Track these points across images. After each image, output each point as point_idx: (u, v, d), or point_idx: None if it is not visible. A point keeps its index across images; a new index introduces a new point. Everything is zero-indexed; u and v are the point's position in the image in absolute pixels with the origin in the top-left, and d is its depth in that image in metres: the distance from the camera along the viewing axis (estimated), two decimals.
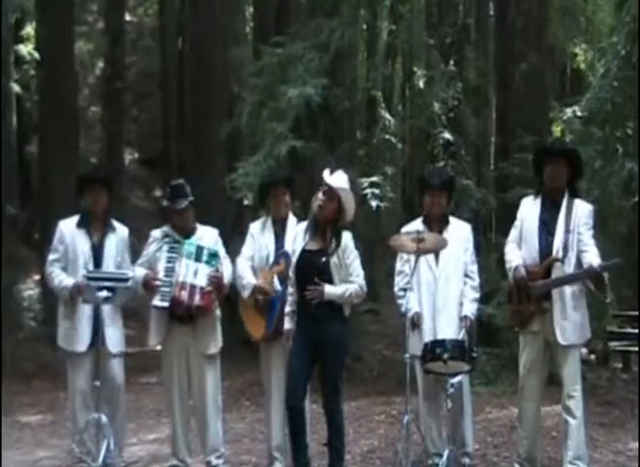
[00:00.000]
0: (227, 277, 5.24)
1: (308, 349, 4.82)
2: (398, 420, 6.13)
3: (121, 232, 5.47)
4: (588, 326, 5.01)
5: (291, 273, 4.99)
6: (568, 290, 4.91)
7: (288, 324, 4.96)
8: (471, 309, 5.16)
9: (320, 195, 4.87)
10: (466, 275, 5.23)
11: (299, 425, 4.80)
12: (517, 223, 5.18)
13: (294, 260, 4.93)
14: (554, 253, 4.92)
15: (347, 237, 4.94)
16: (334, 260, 4.86)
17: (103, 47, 19.18)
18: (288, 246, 5.27)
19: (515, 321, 5.13)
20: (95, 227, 5.39)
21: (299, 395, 4.80)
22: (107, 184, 5.46)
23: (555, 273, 4.91)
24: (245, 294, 5.30)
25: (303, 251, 4.90)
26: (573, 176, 5.06)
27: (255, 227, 5.51)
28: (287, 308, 5.00)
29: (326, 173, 4.93)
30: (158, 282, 5.10)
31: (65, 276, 5.26)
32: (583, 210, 4.99)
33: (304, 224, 5.03)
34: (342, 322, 4.92)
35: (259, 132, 8.88)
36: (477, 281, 5.26)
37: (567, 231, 4.92)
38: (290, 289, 5.01)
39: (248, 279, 5.30)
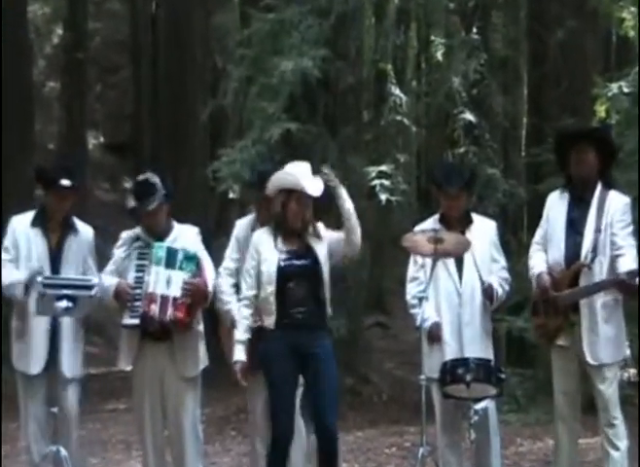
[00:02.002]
0: (210, 283, 5.22)
1: (294, 368, 4.81)
2: (412, 454, 6.11)
3: (84, 233, 5.46)
4: (625, 341, 5.02)
5: (246, 291, 4.94)
6: (599, 300, 4.91)
7: (240, 353, 4.86)
8: (497, 283, 5.16)
9: (294, 204, 4.84)
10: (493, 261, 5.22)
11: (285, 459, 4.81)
12: (543, 222, 5.20)
13: (272, 268, 4.85)
14: (583, 257, 4.93)
15: (322, 227, 4.97)
16: (322, 261, 4.84)
17: (62, 10, 19.18)
18: None
19: (540, 336, 5.16)
20: (53, 226, 5.37)
21: (291, 434, 4.81)
22: (74, 183, 5.40)
23: (584, 281, 4.92)
24: (227, 322, 5.25)
25: (284, 254, 4.88)
26: (604, 163, 5.05)
27: (241, 228, 5.46)
28: (241, 335, 4.89)
29: (295, 178, 4.84)
30: (130, 294, 5.09)
31: (16, 272, 5.23)
32: (617, 204, 4.96)
33: (262, 231, 4.99)
34: (330, 336, 4.96)
35: (247, 113, 8.88)
36: (508, 280, 5.26)
37: (598, 230, 4.91)
38: (245, 311, 4.93)
39: (231, 308, 5.22)
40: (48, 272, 5.23)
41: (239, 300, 5.05)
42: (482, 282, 5.13)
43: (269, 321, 4.86)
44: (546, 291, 4.96)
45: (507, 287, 5.26)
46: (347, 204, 4.88)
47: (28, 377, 5.23)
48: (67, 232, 5.39)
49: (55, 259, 5.32)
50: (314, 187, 4.85)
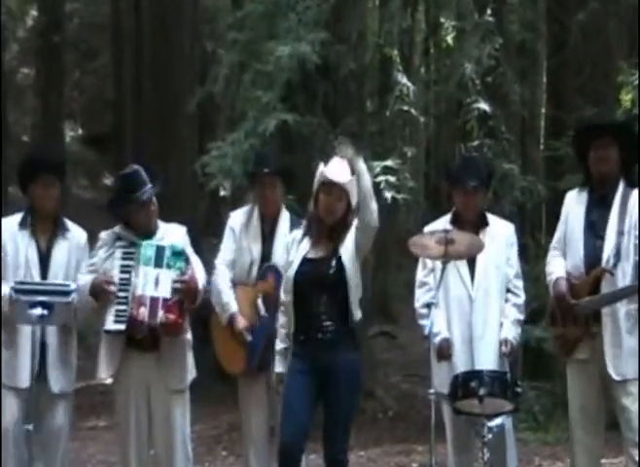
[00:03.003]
0: (200, 281, 5.23)
1: (311, 385, 4.82)
2: None
3: (76, 236, 5.46)
4: None
5: (283, 296, 4.99)
6: (622, 309, 4.91)
7: (280, 366, 4.97)
8: (512, 332, 5.19)
9: (323, 196, 4.85)
10: (508, 291, 5.25)
11: None
12: (561, 224, 5.21)
13: (290, 274, 4.90)
14: (604, 262, 4.93)
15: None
16: (348, 265, 4.84)
17: None
18: (278, 255, 5.29)
19: (558, 348, 5.17)
20: (43, 228, 5.37)
21: (299, 447, 4.79)
22: (60, 172, 5.43)
23: (605, 287, 4.92)
24: (224, 318, 5.34)
25: (305, 261, 4.89)
26: (627, 160, 5.06)
27: (237, 218, 5.53)
28: (278, 345, 5.00)
29: (323, 168, 4.88)
30: (111, 288, 5.10)
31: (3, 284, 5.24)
32: None
33: (299, 231, 5.03)
34: (356, 349, 4.95)
35: (239, 102, 8.88)
36: (521, 298, 5.28)
37: (620, 232, 4.92)
38: (281, 319, 5.02)
39: (227, 299, 5.33)
40: (37, 278, 5.25)
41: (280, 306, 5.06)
42: (501, 343, 5.12)
43: (291, 330, 4.92)
44: (562, 298, 4.97)
45: (519, 328, 5.25)
46: (364, 180, 4.76)
47: (15, 391, 5.18)
48: (57, 233, 5.39)
49: (45, 263, 5.32)
50: (337, 172, 4.82)
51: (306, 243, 4.94)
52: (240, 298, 5.39)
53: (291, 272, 4.90)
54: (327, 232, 4.91)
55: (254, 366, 5.22)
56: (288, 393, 4.86)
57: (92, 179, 20.40)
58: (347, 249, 4.87)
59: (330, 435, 4.84)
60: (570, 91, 9.20)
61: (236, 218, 5.53)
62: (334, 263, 4.84)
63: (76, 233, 5.47)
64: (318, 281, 4.84)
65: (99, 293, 5.13)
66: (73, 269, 5.37)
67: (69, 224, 5.48)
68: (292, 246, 4.99)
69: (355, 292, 4.86)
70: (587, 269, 4.96)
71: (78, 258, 5.41)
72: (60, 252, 5.35)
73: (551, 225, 8.69)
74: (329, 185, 4.83)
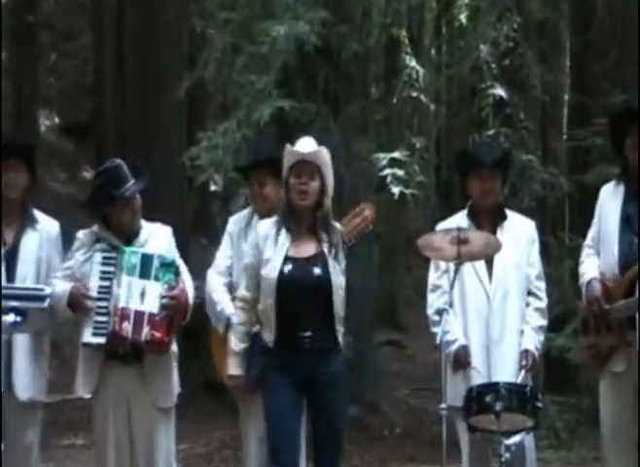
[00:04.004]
0: (189, 295, 5.24)
1: (299, 402, 4.82)
2: None
3: (47, 227, 5.44)
4: None
5: (245, 293, 4.95)
6: None
7: (235, 367, 4.92)
8: (534, 341, 5.19)
9: (294, 179, 4.81)
10: (529, 293, 5.24)
11: None
12: (596, 220, 5.20)
13: (272, 275, 4.81)
14: None
15: (339, 229, 4.95)
16: (331, 264, 4.83)
17: None
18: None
19: (590, 359, 5.15)
20: (9, 219, 5.33)
21: (294, 463, 4.81)
22: (28, 157, 5.39)
23: None
24: (220, 327, 5.33)
25: (288, 260, 4.84)
26: None
27: (234, 223, 5.55)
28: (237, 345, 4.93)
29: (288, 148, 4.87)
30: (89, 302, 5.09)
31: None
32: None
33: (270, 222, 4.97)
34: (341, 356, 4.94)
35: (231, 88, 8.89)
36: (544, 302, 5.29)
37: None
38: (241, 316, 4.96)
39: (223, 306, 5.32)
40: (4, 276, 5.20)
41: (234, 300, 5.05)
42: (522, 353, 5.13)
43: (268, 337, 4.86)
44: (596, 302, 4.95)
45: (542, 335, 5.26)
46: None
47: None
48: (26, 225, 5.36)
49: (12, 259, 5.29)
50: (303, 145, 4.83)
51: (285, 239, 4.88)
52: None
53: (273, 273, 4.82)
54: (308, 225, 4.89)
55: (254, 376, 5.19)
56: (276, 414, 4.82)
57: (70, 172, 20.34)
58: (335, 265, 4.87)
59: (322, 454, 4.84)
60: (596, 76, 9.18)
61: (234, 223, 5.56)
62: (320, 262, 4.82)
63: (46, 224, 5.44)
64: (305, 284, 4.81)
65: (75, 305, 5.11)
66: (44, 265, 5.34)
67: (38, 214, 5.44)
68: (265, 243, 4.89)
69: (340, 295, 4.85)
70: (622, 270, 4.94)
71: (49, 252, 5.39)
72: (29, 246, 5.33)
73: (575, 222, 8.73)
74: (298, 164, 4.82)
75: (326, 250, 4.84)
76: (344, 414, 5.03)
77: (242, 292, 4.98)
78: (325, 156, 4.85)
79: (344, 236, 5.05)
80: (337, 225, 4.98)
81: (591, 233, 5.22)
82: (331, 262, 4.83)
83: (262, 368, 4.89)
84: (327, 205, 4.88)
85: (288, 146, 4.88)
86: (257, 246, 4.92)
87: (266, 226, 4.95)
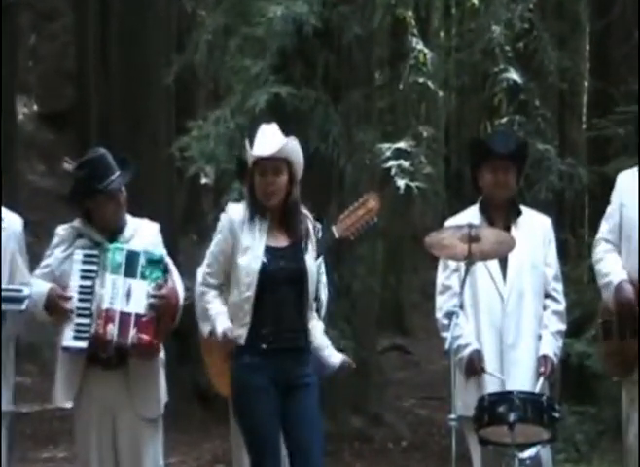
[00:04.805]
0: (180, 295, 5.23)
1: (278, 407, 4.80)
2: None
3: (12, 224, 5.42)
4: None
5: (211, 280, 4.92)
6: None
7: (225, 321, 4.82)
8: (553, 347, 5.18)
9: (259, 177, 4.82)
10: (547, 295, 5.24)
11: None
12: (612, 211, 5.21)
13: (254, 265, 4.78)
14: None
15: (309, 219, 4.98)
16: (308, 260, 4.87)
17: None
18: None
19: (613, 366, 5.16)
20: None
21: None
22: None
23: None
24: (205, 330, 5.32)
25: (270, 250, 4.84)
26: None
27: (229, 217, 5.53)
28: (214, 308, 4.88)
29: (248, 146, 4.88)
30: (68, 305, 5.08)
31: None
32: None
33: (242, 207, 4.95)
34: (312, 356, 4.94)
35: (224, 74, 8.89)
36: (563, 305, 5.28)
37: None
38: (216, 305, 4.90)
39: (215, 309, 5.27)
40: None
41: (202, 286, 5.02)
42: (539, 360, 5.13)
43: (239, 333, 4.81)
44: (630, 307, 4.95)
45: (561, 340, 5.27)
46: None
47: None
48: None
49: None
50: (266, 143, 4.82)
51: (262, 226, 4.88)
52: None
53: (255, 262, 4.80)
54: (279, 216, 4.89)
55: None
56: (259, 425, 4.81)
57: (50, 164, 20.30)
58: (310, 246, 4.92)
59: (303, 455, 4.80)
60: (617, 61, 9.20)
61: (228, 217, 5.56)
62: (295, 255, 4.85)
63: (10, 220, 5.40)
64: (289, 275, 4.82)
65: (53, 308, 5.10)
66: (7, 263, 5.33)
67: (3, 210, 5.40)
68: (241, 229, 4.86)
69: (313, 287, 4.90)
70: None
71: (12, 250, 5.34)
72: None
73: (595, 217, 8.69)
74: (262, 162, 4.82)
75: (299, 240, 4.87)
76: (319, 417, 4.96)
77: (209, 279, 4.94)
78: (291, 147, 4.86)
79: (347, 231, 5.05)
80: (306, 212, 4.98)
81: (608, 226, 5.21)
82: (307, 252, 4.87)
83: (232, 369, 4.86)
84: (295, 194, 4.88)
85: (247, 147, 4.88)
86: (234, 232, 4.89)
87: (240, 210, 4.95)
